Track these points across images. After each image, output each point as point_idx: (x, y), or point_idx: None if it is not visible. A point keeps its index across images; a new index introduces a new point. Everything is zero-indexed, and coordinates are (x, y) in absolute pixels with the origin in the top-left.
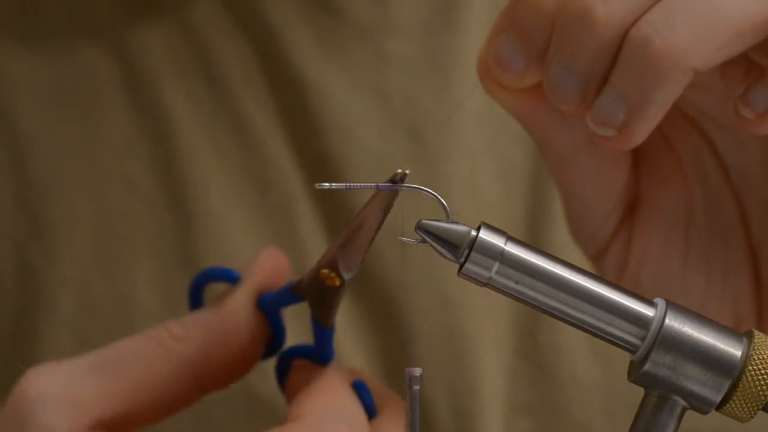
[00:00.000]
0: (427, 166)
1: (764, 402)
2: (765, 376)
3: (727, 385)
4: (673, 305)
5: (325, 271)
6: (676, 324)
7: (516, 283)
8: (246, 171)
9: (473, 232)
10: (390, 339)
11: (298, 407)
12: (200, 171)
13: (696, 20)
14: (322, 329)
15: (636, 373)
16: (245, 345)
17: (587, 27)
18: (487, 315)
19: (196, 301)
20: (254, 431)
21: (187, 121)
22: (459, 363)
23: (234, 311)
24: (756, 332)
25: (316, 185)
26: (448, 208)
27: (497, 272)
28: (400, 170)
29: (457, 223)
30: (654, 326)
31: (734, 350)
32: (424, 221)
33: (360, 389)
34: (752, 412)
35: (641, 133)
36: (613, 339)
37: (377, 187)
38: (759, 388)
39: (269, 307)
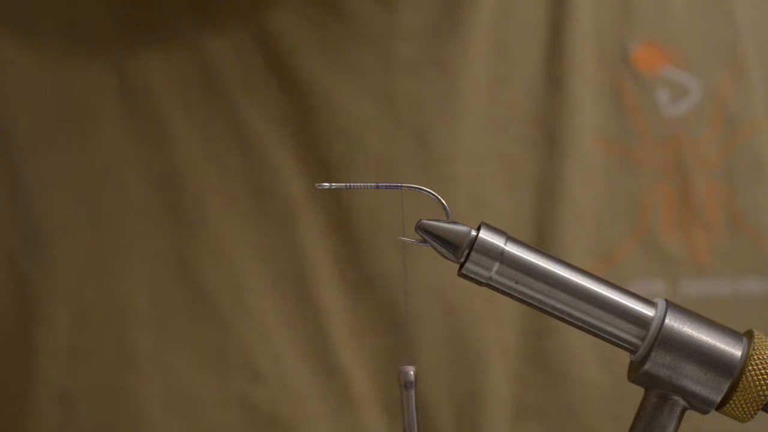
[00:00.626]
0: (432, 171)
1: (764, 402)
2: (765, 376)
3: (727, 385)
4: (672, 305)
5: None
6: (676, 324)
7: (516, 283)
8: (245, 178)
9: (473, 232)
10: (393, 343)
11: None
12: (197, 178)
13: None
14: None
15: (636, 373)
16: None
17: None
18: (493, 319)
19: None
20: None
21: (184, 127)
22: (464, 367)
23: None
24: (756, 332)
25: (317, 185)
26: (448, 208)
27: (497, 272)
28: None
29: (457, 223)
30: (654, 326)
31: (734, 350)
32: (424, 221)
33: None
34: (752, 412)
35: None
36: (613, 339)
37: (377, 187)
38: (759, 388)
39: None
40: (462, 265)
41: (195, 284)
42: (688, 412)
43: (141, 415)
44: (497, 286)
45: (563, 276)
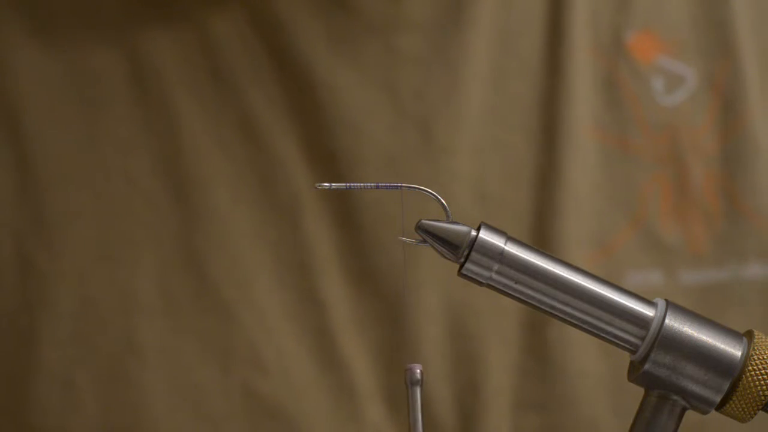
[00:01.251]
0: (435, 163)
1: (764, 402)
2: (765, 376)
3: (727, 385)
4: (673, 305)
5: None
6: (676, 324)
7: (516, 283)
8: (251, 168)
9: (473, 232)
10: (395, 336)
11: None
12: (204, 168)
13: None
14: None
15: (636, 373)
16: None
17: None
18: (493, 311)
19: None
20: (252, 428)
21: (192, 117)
22: (464, 360)
23: None
24: (756, 332)
25: (316, 185)
26: (448, 208)
27: (497, 272)
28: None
29: (457, 223)
30: (654, 326)
31: (734, 350)
32: (424, 221)
33: None
34: (752, 412)
35: None
36: (613, 339)
37: (377, 186)
38: (759, 388)
39: None
40: (462, 265)
41: (200, 274)
42: (688, 412)
43: (144, 404)
44: (497, 286)
45: (563, 276)
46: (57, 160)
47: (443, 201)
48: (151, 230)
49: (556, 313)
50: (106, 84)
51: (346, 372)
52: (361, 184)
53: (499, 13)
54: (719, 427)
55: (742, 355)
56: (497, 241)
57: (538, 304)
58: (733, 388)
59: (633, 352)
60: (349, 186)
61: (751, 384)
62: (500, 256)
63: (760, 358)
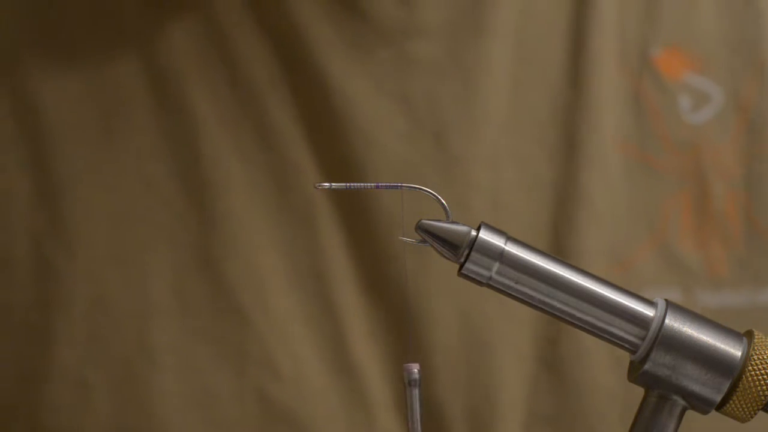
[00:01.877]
0: (449, 173)
1: (764, 402)
2: (765, 376)
3: (727, 385)
4: (673, 305)
5: None
6: (676, 324)
7: (516, 283)
8: (267, 173)
9: (473, 232)
10: (408, 344)
11: None
12: (221, 172)
13: None
14: None
15: (636, 373)
16: None
17: None
18: (507, 324)
19: None
20: None
21: (209, 123)
22: (477, 372)
23: None
24: (756, 332)
25: (317, 185)
26: (448, 208)
27: (497, 272)
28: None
29: (457, 223)
30: (654, 326)
31: (734, 350)
32: (424, 221)
33: None
34: (752, 412)
35: None
36: (613, 339)
37: (377, 187)
38: (759, 388)
39: None
40: (462, 265)
41: (215, 278)
42: (688, 412)
43: (157, 406)
44: (497, 286)
45: (563, 276)
46: (75, 162)
47: (443, 201)
48: (167, 234)
49: (557, 313)
50: (125, 89)
51: (359, 378)
52: (362, 184)
53: (519, 22)
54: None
55: (742, 355)
56: (497, 241)
57: (538, 305)
58: (733, 388)
59: (633, 352)
60: (349, 186)
61: (751, 384)
62: (500, 256)
63: (760, 358)
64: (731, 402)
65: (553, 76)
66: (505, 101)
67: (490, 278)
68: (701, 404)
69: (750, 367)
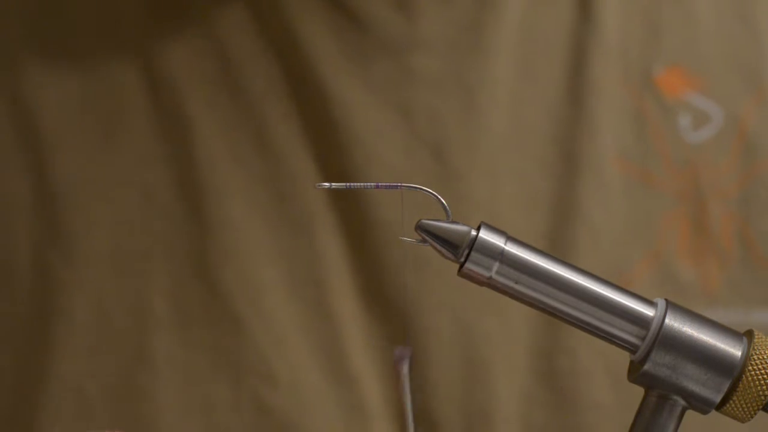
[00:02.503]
0: (448, 186)
1: (764, 402)
2: (765, 376)
3: (727, 385)
4: (673, 305)
5: None
6: (676, 324)
7: (516, 282)
8: (266, 182)
9: (473, 232)
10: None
11: None
12: (219, 181)
13: None
14: None
15: (636, 373)
16: None
17: None
18: (503, 338)
19: None
20: None
21: (208, 131)
22: (473, 386)
23: None
24: (756, 332)
25: (316, 185)
26: (448, 208)
27: (497, 272)
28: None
29: (457, 222)
30: (654, 326)
31: (734, 350)
32: (424, 221)
33: None
34: (752, 412)
35: None
36: (613, 339)
37: (377, 186)
38: (759, 388)
39: None
40: (462, 265)
41: (213, 286)
42: (688, 412)
43: (155, 415)
44: (497, 285)
45: (563, 276)
46: (74, 170)
47: (443, 201)
48: (165, 242)
49: (557, 313)
50: (122, 96)
51: (357, 387)
52: (361, 184)
53: (520, 38)
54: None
55: (742, 355)
56: (497, 240)
57: (538, 304)
58: (733, 388)
59: (633, 352)
60: (349, 186)
61: (751, 384)
62: (500, 256)
63: (760, 358)
64: (731, 402)
65: (553, 93)
66: (505, 116)
67: (490, 278)
68: (701, 404)
69: (750, 367)
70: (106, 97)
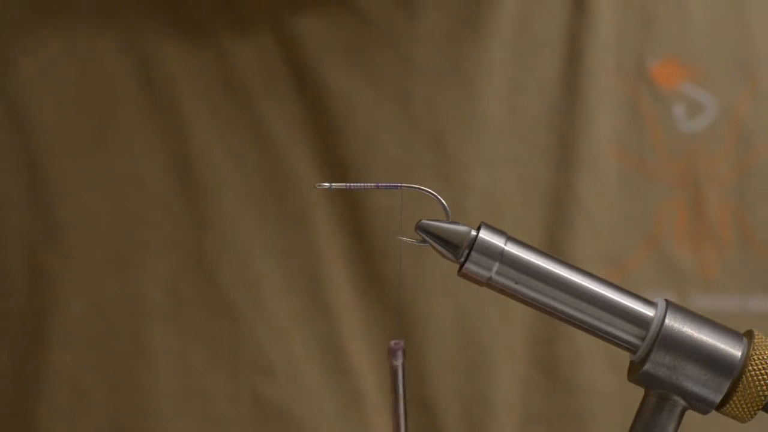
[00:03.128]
0: (448, 176)
1: (764, 402)
2: (765, 376)
3: (727, 385)
4: (673, 305)
5: None
6: (676, 324)
7: (516, 283)
8: (263, 177)
9: (473, 232)
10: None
11: None
12: (216, 175)
13: None
14: None
15: (636, 373)
16: None
17: None
18: (503, 324)
19: None
20: None
21: (204, 125)
22: (472, 371)
23: None
24: (756, 332)
25: (316, 185)
26: (448, 208)
27: (497, 272)
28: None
29: (457, 223)
30: (654, 326)
31: (734, 350)
32: (424, 221)
33: None
34: (752, 412)
35: None
36: (613, 339)
37: (377, 186)
38: (759, 388)
39: None
40: (462, 265)
41: (210, 279)
42: (688, 412)
43: (153, 408)
44: (497, 286)
45: (563, 276)
46: (68, 165)
47: (443, 201)
48: (161, 235)
49: (556, 313)
50: (118, 90)
51: (354, 379)
52: (361, 184)
53: (517, 29)
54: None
55: (742, 355)
56: (497, 241)
57: (538, 305)
58: (733, 388)
59: (633, 352)
60: (349, 186)
61: (751, 384)
62: (500, 256)
63: (760, 358)
64: (731, 402)
65: (550, 83)
66: (503, 106)
67: (490, 278)
68: (701, 404)
69: (750, 367)
70: (99, 90)
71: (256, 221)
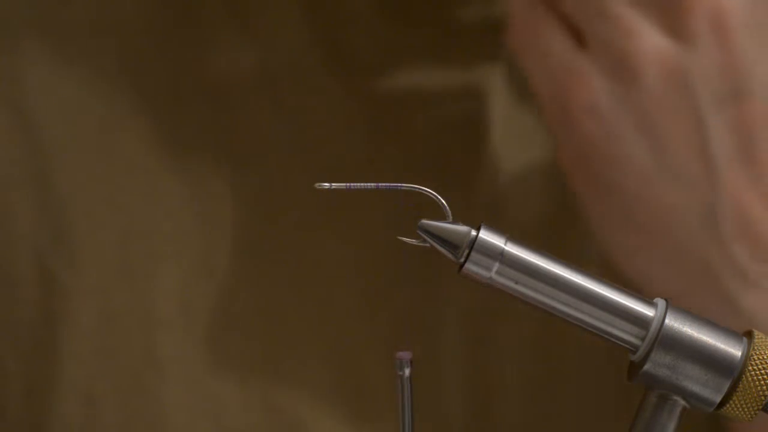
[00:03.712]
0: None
1: (764, 402)
2: (765, 376)
3: (727, 385)
4: (672, 305)
5: None
6: (676, 324)
7: (516, 283)
8: (269, 182)
9: (473, 232)
10: (413, 351)
11: None
12: (224, 182)
13: None
14: None
15: (636, 373)
16: None
17: None
18: (507, 322)
19: None
20: None
21: (212, 132)
22: (476, 370)
23: None
24: (756, 332)
25: (316, 185)
26: (447, 208)
27: (497, 272)
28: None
29: (457, 223)
30: (654, 326)
31: (734, 350)
32: (424, 221)
33: None
34: (752, 412)
35: None
36: (612, 339)
37: (377, 187)
38: (759, 388)
39: None
40: (462, 265)
41: (220, 288)
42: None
43: (164, 417)
44: (497, 286)
45: (563, 276)
46: (77, 174)
47: (443, 201)
48: (171, 245)
49: (557, 313)
50: (124, 98)
51: (366, 385)
52: (362, 185)
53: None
54: None
55: (742, 355)
56: (497, 241)
57: (538, 305)
58: (733, 388)
59: (633, 352)
60: (349, 186)
61: (751, 384)
62: (500, 256)
63: (760, 358)
64: (731, 402)
65: None
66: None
67: (490, 278)
68: (701, 404)
69: (750, 367)
70: (107, 99)
71: (265, 229)
